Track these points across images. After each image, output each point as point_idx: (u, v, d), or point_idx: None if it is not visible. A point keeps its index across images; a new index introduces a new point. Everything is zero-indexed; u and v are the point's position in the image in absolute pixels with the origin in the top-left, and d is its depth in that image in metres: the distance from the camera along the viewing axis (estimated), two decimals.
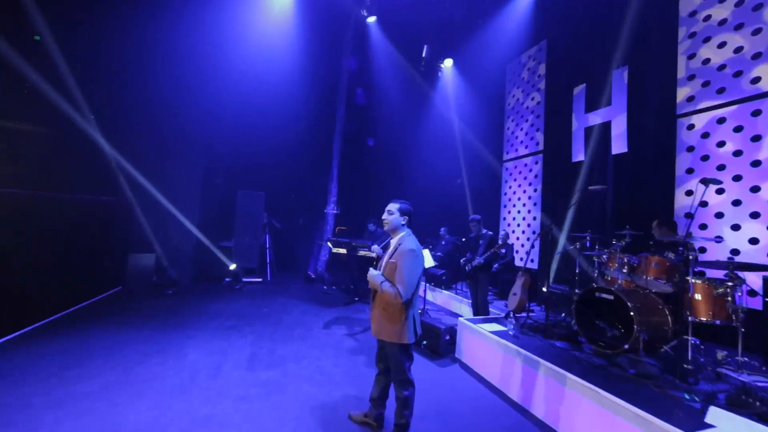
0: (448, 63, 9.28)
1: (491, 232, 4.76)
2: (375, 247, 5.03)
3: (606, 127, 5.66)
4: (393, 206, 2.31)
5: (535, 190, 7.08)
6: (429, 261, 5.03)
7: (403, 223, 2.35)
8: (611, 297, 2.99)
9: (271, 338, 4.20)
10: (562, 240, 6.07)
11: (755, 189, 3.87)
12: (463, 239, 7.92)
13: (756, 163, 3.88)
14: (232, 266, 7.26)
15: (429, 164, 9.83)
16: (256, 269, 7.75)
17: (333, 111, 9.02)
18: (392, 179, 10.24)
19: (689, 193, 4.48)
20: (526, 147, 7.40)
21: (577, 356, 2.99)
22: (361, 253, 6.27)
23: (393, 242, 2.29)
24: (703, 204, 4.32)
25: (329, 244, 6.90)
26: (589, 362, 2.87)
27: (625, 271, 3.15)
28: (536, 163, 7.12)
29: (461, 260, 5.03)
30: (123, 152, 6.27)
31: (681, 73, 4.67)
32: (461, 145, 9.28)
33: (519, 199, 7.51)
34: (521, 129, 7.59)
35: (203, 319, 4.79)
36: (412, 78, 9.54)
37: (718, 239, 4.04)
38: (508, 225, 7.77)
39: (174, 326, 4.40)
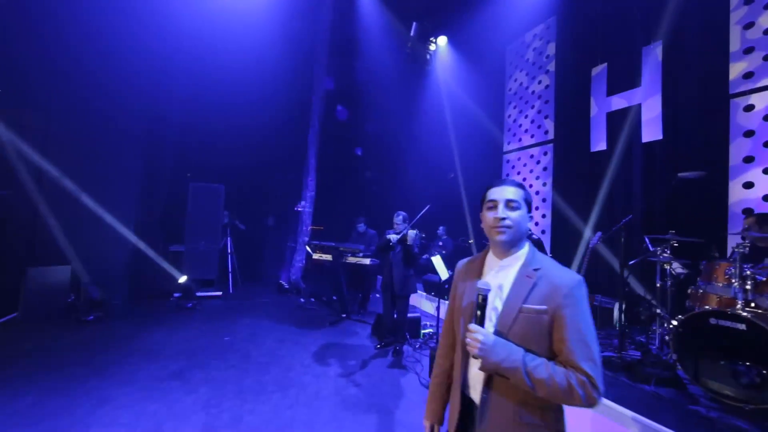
0: (441, 42, 8.30)
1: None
2: (392, 236, 3.88)
3: (634, 111, 4.94)
4: (512, 191, 1.13)
5: (545, 185, 6.29)
6: (443, 272, 3.98)
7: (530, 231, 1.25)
8: (742, 326, 2.09)
9: (235, 390, 2.91)
10: (585, 239, 5.30)
11: None
12: (470, 240, 7.01)
13: None
14: (182, 278, 5.74)
15: (421, 156, 8.82)
16: (214, 281, 6.26)
17: (309, 92, 7.69)
18: (379, 172, 9.11)
19: (749, 185, 3.82)
20: (533, 136, 6.61)
21: (702, 414, 2.07)
22: (351, 259, 5.09)
23: (513, 268, 1.12)
24: (767, 198, 3.66)
25: (309, 248, 5.63)
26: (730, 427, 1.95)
27: (748, 287, 2.28)
28: (545, 153, 6.33)
29: None
30: (25, 135, 4.59)
31: (735, 45, 4.00)
32: (455, 134, 8.36)
33: None
34: (526, 116, 6.79)
35: (133, 362, 3.37)
36: (401, 59, 8.46)
37: None
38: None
39: (82, 378, 2.96)
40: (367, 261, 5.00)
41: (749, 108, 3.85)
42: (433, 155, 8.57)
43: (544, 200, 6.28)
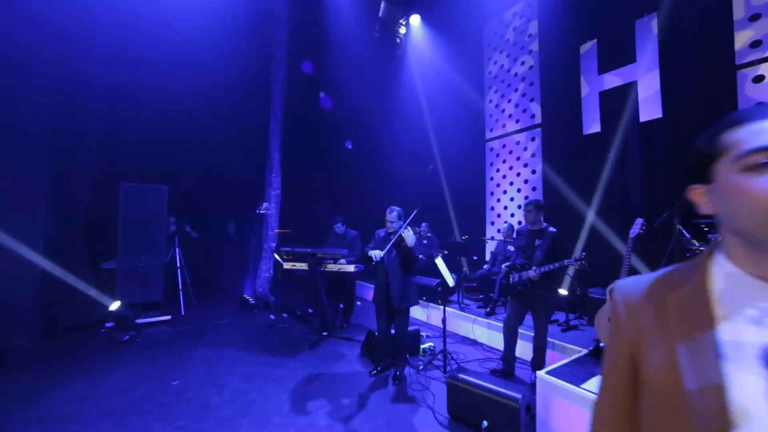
0: (413, 22, 7.66)
1: (554, 229, 3.24)
2: (376, 252, 3.16)
3: (630, 89, 4.63)
4: None
5: (534, 172, 5.89)
6: (450, 277, 3.33)
7: None
8: None
9: None
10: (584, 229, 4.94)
11: None
12: (465, 237, 6.45)
13: None
14: (115, 305, 4.57)
15: (398, 148, 8.15)
16: (161, 302, 5.13)
17: (268, 77, 6.69)
18: (352, 167, 8.30)
19: None
20: (518, 121, 6.19)
21: None
22: (332, 267, 4.28)
23: None
24: None
25: (278, 257, 4.72)
26: None
27: None
28: (532, 139, 5.93)
29: (503, 266, 3.44)
30: None
31: (739, 13, 3.75)
32: (432, 124, 7.79)
33: (511, 183, 6.28)
34: (509, 101, 6.36)
35: None
36: (371, 43, 7.71)
37: None
38: (498, 216, 6.51)
39: None
40: (351, 268, 4.22)
41: (759, 79, 3.60)
42: (411, 147, 7.94)
43: (534, 189, 5.88)
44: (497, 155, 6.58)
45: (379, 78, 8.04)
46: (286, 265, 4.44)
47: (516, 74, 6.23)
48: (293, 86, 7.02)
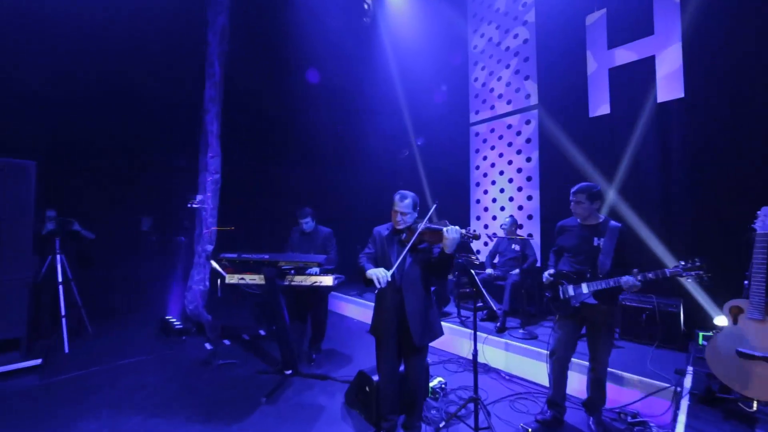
0: None
1: (617, 223, 2.39)
2: (379, 273, 1.97)
3: (646, 65, 4.09)
4: None
5: (529, 160, 5.20)
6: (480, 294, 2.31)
7: None
8: None
9: None
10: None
11: None
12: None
13: None
14: None
15: (369, 132, 6.97)
16: (22, 339, 3.35)
17: (204, 25, 5.03)
18: (314, 152, 6.90)
19: None
20: (509, 102, 5.45)
21: None
22: (301, 279, 2.99)
23: None
24: None
25: (217, 266, 3.28)
26: None
27: None
28: (527, 122, 5.23)
29: (546, 274, 2.53)
30: None
31: None
32: (408, 104, 6.77)
33: (501, 173, 5.54)
34: (499, 79, 5.59)
35: None
36: (337, 11, 6.40)
37: None
38: (486, 210, 5.75)
39: None
40: (329, 280, 2.99)
41: None
42: (384, 131, 6.83)
43: (529, 179, 5.19)
44: (484, 141, 5.80)
45: (344, 47, 6.76)
46: (230, 279, 3.05)
47: (507, 48, 5.48)
48: (238, 40, 5.44)
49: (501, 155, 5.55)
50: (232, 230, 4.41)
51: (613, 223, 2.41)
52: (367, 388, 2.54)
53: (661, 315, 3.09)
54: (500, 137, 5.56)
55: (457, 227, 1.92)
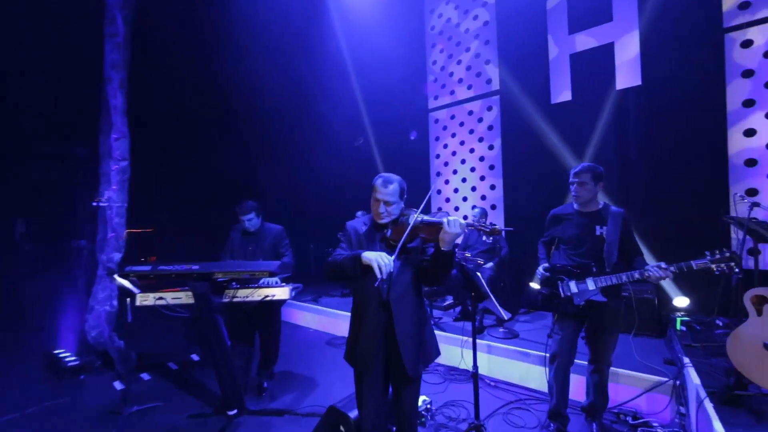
0: None
1: (621, 209, 2.14)
2: (380, 260, 1.39)
3: (605, 52, 4.08)
4: None
5: (491, 148, 5.01)
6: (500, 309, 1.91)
7: None
8: None
9: None
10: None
11: None
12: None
13: None
14: None
15: (318, 118, 6.23)
16: None
17: None
18: (255, 138, 5.93)
19: (750, 132, 3.36)
20: (470, 87, 5.19)
21: None
22: (248, 293, 2.29)
23: None
24: None
25: (125, 282, 2.40)
26: None
27: None
28: (489, 109, 5.03)
29: (540, 269, 2.21)
30: None
31: None
32: (361, 88, 6.19)
33: (463, 162, 5.29)
34: (458, 62, 5.31)
35: None
36: None
37: None
38: (447, 201, 5.47)
39: None
40: (285, 292, 2.34)
41: (747, 44, 3.35)
42: (336, 116, 6.16)
43: (492, 168, 5.00)
44: (444, 128, 5.50)
45: (290, 24, 5.89)
46: (142, 299, 2.23)
47: (467, 30, 5.21)
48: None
49: (462, 143, 5.29)
50: (150, 233, 3.45)
51: (614, 208, 2.17)
52: (342, 429, 1.98)
53: (638, 302, 3.03)
54: (461, 124, 5.30)
55: (459, 219, 1.44)
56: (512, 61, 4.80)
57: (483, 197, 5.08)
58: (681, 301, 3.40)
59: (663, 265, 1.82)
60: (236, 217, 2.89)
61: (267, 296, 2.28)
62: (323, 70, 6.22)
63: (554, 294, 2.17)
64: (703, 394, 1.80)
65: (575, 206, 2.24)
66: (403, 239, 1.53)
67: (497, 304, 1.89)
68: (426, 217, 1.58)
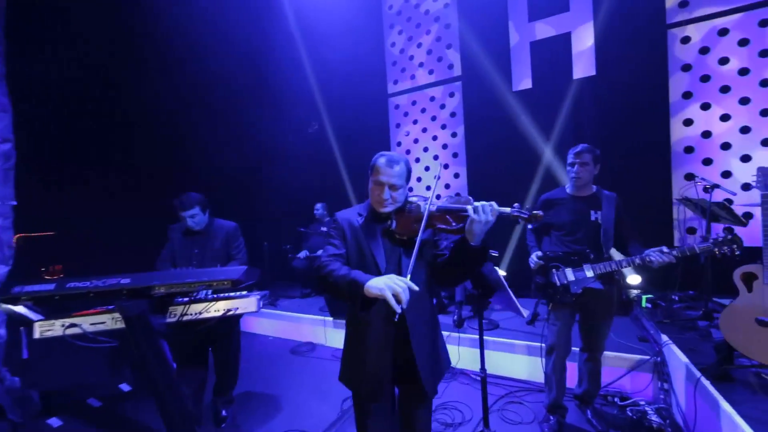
0: None
1: (613, 193, 2.10)
2: (396, 283, 1.04)
3: (563, 41, 4.17)
4: None
5: (454, 135, 4.92)
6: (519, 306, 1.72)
7: None
8: None
9: None
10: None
11: (765, 113, 3.37)
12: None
13: (765, 83, 3.36)
14: None
15: (271, 104, 5.52)
16: None
17: None
18: (190, 122, 5.03)
19: (688, 122, 3.67)
20: (432, 72, 5.02)
21: None
22: (199, 308, 1.79)
23: None
24: (706, 134, 3.59)
25: (23, 309, 1.73)
26: None
27: None
28: (451, 95, 4.91)
29: (533, 257, 2.10)
30: None
31: None
32: (314, 71, 5.65)
33: (426, 150, 5.13)
34: (419, 45, 5.09)
35: None
36: None
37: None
38: (411, 190, 5.25)
39: None
40: (252, 304, 1.88)
41: (686, 40, 3.64)
42: (288, 102, 5.54)
43: (455, 155, 4.92)
44: (405, 114, 5.27)
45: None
46: (43, 329, 1.61)
47: (427, 12, 4.99)
48: None
49: (425, 130, 5.11)
50: (51, 238, 2.63)
51: (606, 192, 2.13)
52: None
53: None
54: (423, 110, 5.11)
55: (492, 204, 1.19)
56: (474, 46, 4.70)
57: (447, 186, 4.98)
58: (633, 279, 3.66)
59: (665, 249, 1.79)
60: (175, 213, 2.33)
61: (229, 310, 1.82)
62: (272, 53, 5.54)
63: (549, 282, 2.08)
64: (696, 372, 1.83)
65: (568, 190, 2.16)
66: (421, 232, 1.23)
67: (515, 299, 1.71)
68: (443, 204, 1.31)
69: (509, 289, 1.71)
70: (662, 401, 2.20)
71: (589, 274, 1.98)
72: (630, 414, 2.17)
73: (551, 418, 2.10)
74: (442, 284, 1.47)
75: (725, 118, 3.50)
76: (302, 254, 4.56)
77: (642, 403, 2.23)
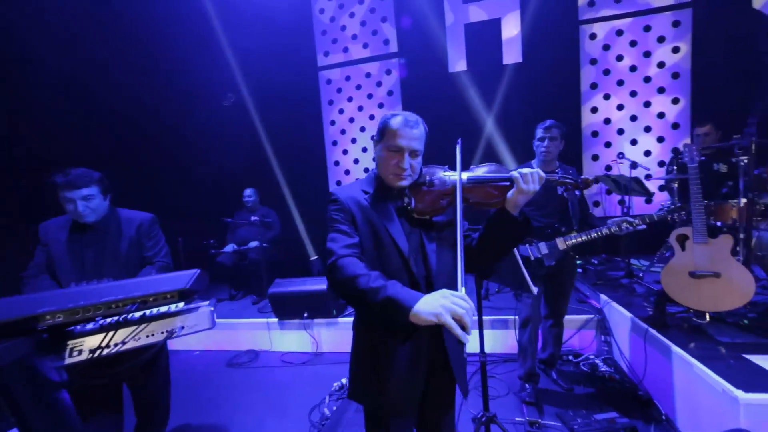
0: None
1: (572, 167, 2.20)
2: (457, 305, 0.79)
3: (494, 26, 4.34)
4: None
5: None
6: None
7: None
8: None
9: None
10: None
11: (647, 104, 4.09)
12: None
13: (647, 79, 4.06)
14: None
15: (181, 74, 4.37)
16: None
17: None
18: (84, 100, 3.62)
19: (594, 110, 4.23)
20: (366, 46, 4.72)
21: None
22: (152, 331, 1.22)
23: None
24: (607, 121, 4.20)
25: None
26: None
27: None
28: (388, 72, 4.71)
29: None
30: None
31: None
32: (232, 43, 4.72)
33: (362, 129, 4.87)
34: (351, 15, 4.71)
35: None
36: None
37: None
38: (347, 173, 4.98)
39: None
40: (202, 319, 1.39)
41: (593, 36, 4.14)
42: (203, 74, 4.51)
43: None
44: (339, 90, 4.87)
45: None
46: None
47: None
48: None
49: (360, 108, 4.82)
50: None
51: (567, 167, 2.24)
52: None
53: None
54: (358, 87, 4.79)
55: (538, 170, 1.04)
56: (409, 21, 4.55)
57: (366, 170, 4.82)
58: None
59: (629, 218, 1.95)
60: (55, 199, 1.61)
61: (171, 333, 1.29)
62: (183, 20, 4.41)
63: (523, 257, 2.11)
64: (643, 324, 2.08)
65: (535, 165, 2.19)
66: (460, 209, 1.00)
67: (527, 276, 1.64)
68: (476, 175, 1.11)
69: (523, 266, 1.63)
70: (605, 352, 2.50)
71: (561, 246, 2.06)
72: (584, 368, 2.41)
73: (527, 386, 2.18)
74: (475, 269, 1.29)
75: (620, 107, 4.14)
76: (229, 248, 3.87)
77: (592, 356, 2.49)
